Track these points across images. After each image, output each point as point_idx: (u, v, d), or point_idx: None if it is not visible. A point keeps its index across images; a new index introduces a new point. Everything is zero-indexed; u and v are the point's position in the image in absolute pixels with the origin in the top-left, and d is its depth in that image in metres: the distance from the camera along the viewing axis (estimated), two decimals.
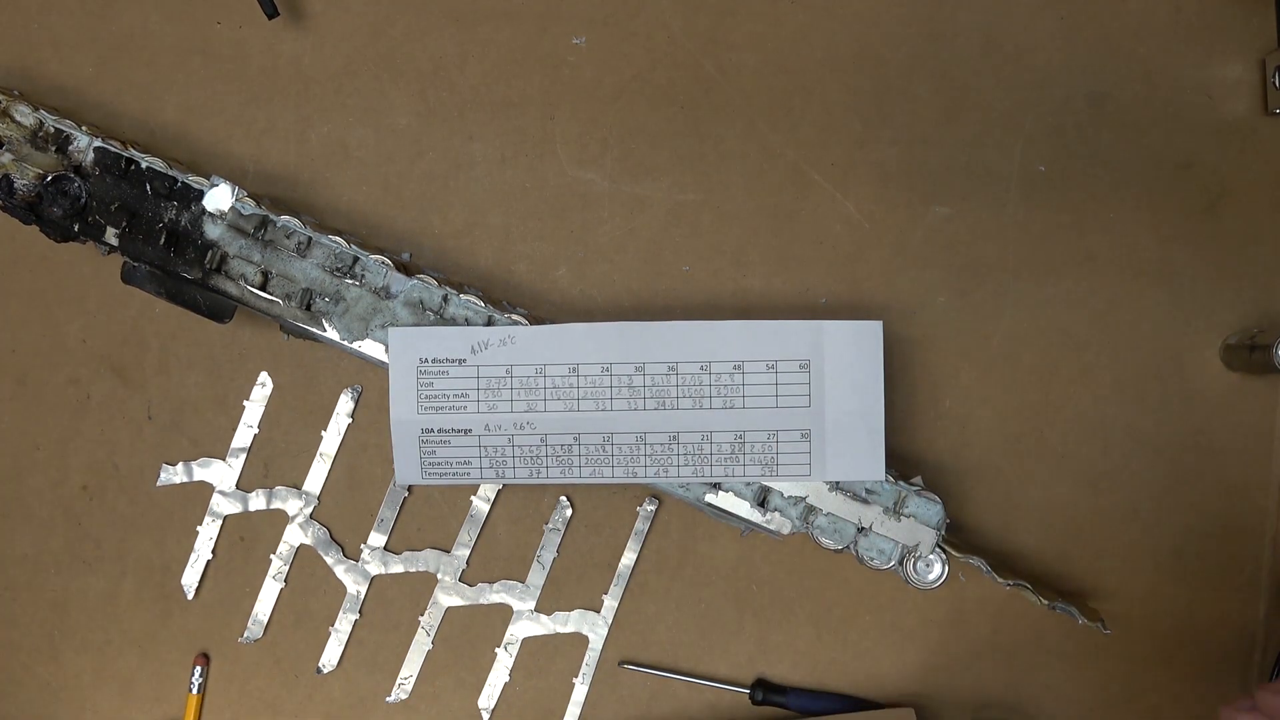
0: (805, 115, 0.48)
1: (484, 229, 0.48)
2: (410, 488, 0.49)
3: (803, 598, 0.49)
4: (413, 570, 0.49)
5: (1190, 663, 0.48)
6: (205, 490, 0.49)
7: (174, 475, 0.49)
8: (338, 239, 0.45)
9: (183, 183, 0.45)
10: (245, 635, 0.49)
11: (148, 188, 0.45)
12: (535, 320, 0.46)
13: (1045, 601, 0.45)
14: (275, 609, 0.49)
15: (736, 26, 0.48)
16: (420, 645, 0.49)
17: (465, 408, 0.45)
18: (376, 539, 0.49)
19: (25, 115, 0.45)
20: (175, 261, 0.45)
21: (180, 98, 0.48)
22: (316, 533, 0.49)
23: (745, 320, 0.45)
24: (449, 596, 0.49)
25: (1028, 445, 0.48)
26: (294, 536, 0.49)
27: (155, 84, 0.48)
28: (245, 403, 0.49)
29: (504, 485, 0.49)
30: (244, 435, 0.49)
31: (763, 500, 0.45)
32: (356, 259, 0.45)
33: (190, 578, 0.49)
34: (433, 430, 0.45)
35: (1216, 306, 0.48)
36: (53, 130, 0.45)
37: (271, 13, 0.47)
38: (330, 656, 0.49)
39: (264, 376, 0.49)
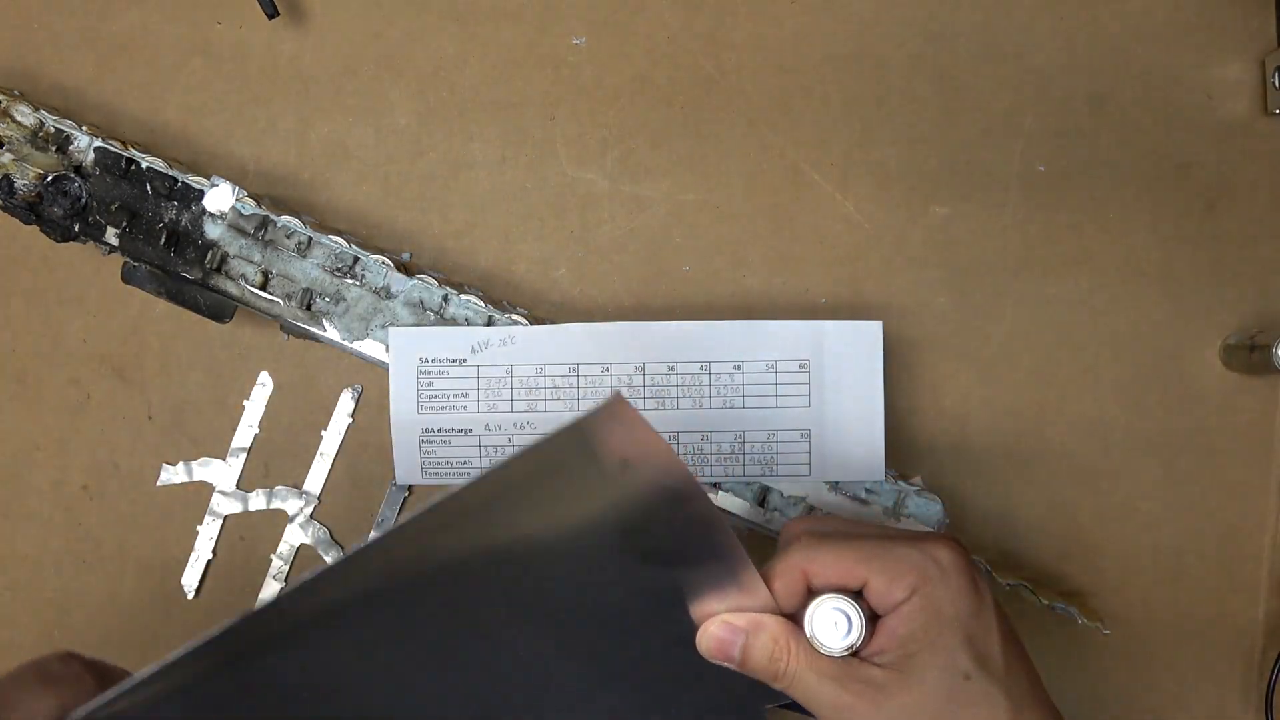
0: (805, 115, 0.48)
1: (484, 229, 0.48)
2: (410, 488, 0.49)
3: None
4: None
5: (1190, 663, 0.48)
6: (205, 490, 0.49)
7: (174, 475, 0.49)
8: (338, 239, 0.45)
9: (183, 183, 0.45)
10: None
11: (148, 188, 0.45)
12: (535, 320, 0.46)
13: (1045, 601, 0.45)
14: None
15: (736, 26, 0.48)
16: None
17: (465, 408, 0.45)
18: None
19: (25, 115, 0.45)
20: (175, 261, 0.45)
21: (180, 98, 0.48)
22: (317, 533, 0.49)
23: (745, 320, 0.45)
24: None
25: (1028, 445, 0.48)
26: (294, 536, 0.49)
27: (155, 84, 0.48)
28: (245, 403, 0.49)
29: None
30: (244, 435, 0.49)
31: (762, 500, 0.45)
32: (356, 259, 0.45)
33: (190, 578, 0.49)
34: (433, 430, 0.45)
35: (1216, 306, 0.48)
36: (53, 130, 0.45)
37: (271, 13, 0.47)
38: None
39: (264, 376, 0.49)
